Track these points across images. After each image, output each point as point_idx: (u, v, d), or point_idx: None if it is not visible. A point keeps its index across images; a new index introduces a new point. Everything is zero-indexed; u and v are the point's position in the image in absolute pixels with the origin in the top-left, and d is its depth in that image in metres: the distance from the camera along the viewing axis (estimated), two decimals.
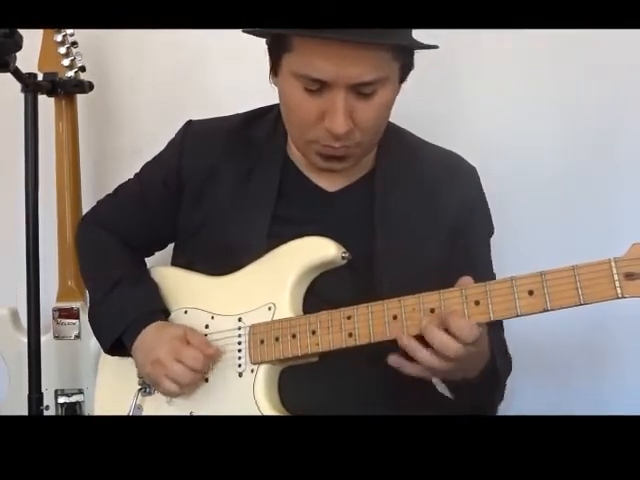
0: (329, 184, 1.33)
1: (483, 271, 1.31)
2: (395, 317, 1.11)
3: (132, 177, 1.46)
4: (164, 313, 1.32)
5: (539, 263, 1.07)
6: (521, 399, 1.74)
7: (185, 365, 1.21)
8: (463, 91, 1.79)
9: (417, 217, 1.29)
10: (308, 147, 1.25)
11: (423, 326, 1.08)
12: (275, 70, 1.24)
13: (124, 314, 1.31)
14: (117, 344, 1.33)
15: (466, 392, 1.21)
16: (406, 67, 1.22)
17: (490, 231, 1.40)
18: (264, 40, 1.25)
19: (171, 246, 1.45)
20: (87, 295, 1.65)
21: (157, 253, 1.50)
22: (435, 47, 1.19)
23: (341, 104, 1.16)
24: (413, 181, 1.32)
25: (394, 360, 1.11)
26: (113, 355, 1.36)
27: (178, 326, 1.28)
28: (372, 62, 1.15)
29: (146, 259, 1.48)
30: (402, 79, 1.24)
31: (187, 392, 1.25)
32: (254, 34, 1.23)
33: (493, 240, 1.40)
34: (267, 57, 1.25)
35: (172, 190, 1.36)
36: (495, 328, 1.23)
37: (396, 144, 1.34)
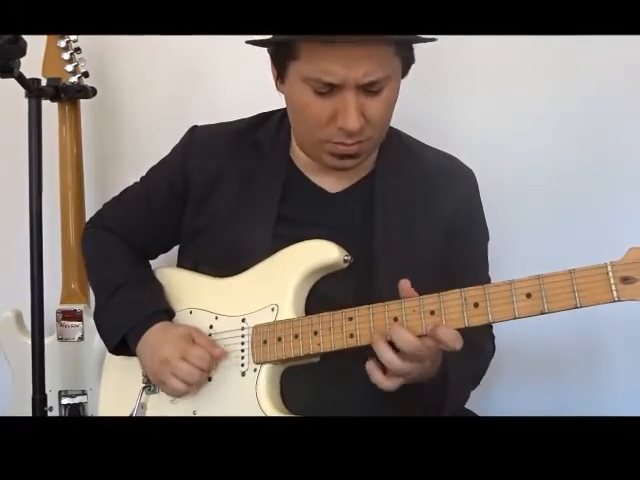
0: (331, 185, 1.34)
1: (478, 271, 1.33)
2: (396, 319, 1.12)
3: (137, 181, 1.47)
4: (168, 314, 1.34)
5: (536, 266, 1.08)
6: (514, 400, 1.76)
7: (191, 364, 1.23)
8: (459, 94, 1.79)
9: (416, 218, 1.31)
10: (320, 147, 1.26)
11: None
12: (282, 77, 1.25)
13: (127, 317, 1.32)
14: (121, 345, 1.34)
15: (414, 392, 1.19)
16: (407, 61, 1.25)
17: (486, 233, 1.41)
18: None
19: (176, 248, 1.46)
20: (91, 297, 1.66)
21: (162, 255, 1.51)
22: (434, 40, 1.21)
23: (353, 103, 1.19)
24: (412, 182, 1.33)
25: (368, 366, 1.12)
26: (118, 355, 1.37)
27: (184, 326, 1.29)
28: (378, 60, 1.18)
29: (151, 261, 1.48)
30: (404, 73, 1.27)
31: (192, 391, 1.26)
32: (257, 45, 1.24)
33: (490, 243, 1.41)
34: (269, 64, 1.26)
35: (177, 192, 1.37)
36: None
37: (396, 146, 1.36)
